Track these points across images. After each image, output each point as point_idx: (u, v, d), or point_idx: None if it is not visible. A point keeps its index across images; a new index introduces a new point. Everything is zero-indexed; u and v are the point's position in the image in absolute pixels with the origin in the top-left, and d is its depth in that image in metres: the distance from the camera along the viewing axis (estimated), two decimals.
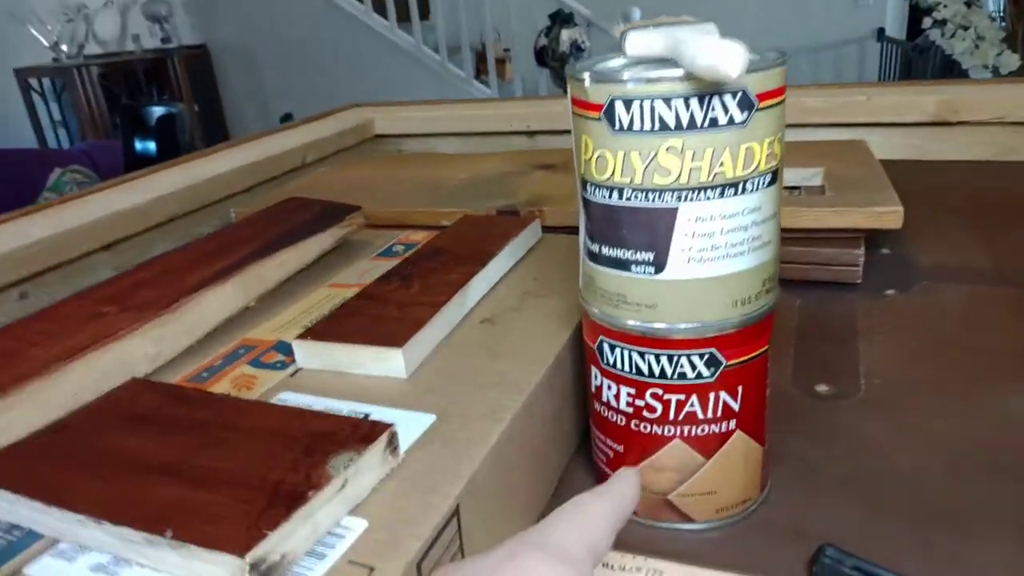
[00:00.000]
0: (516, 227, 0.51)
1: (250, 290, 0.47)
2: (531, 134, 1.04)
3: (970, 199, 0.77)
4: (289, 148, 0.98)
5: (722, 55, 0.25)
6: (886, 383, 0.47)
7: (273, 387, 0.38)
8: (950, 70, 1.78)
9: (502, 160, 0.84)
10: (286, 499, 0.27)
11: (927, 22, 1.70)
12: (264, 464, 0.29)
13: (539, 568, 0.22)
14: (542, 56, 3.18)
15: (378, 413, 0.34)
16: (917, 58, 2.95)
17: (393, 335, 0.38)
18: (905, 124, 0.89)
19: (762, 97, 0.29)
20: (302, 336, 0.39)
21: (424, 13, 3.77)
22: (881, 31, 3.43)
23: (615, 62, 0.33)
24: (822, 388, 0.47)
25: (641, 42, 0.32)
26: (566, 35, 2.94)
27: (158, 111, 1.89)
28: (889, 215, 0.56)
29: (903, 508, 0.36)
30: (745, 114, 0.29)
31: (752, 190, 0.31)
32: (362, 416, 0.34)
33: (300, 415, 0.32)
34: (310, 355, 0.39)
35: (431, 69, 3.64)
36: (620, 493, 0.28)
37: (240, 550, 0.24)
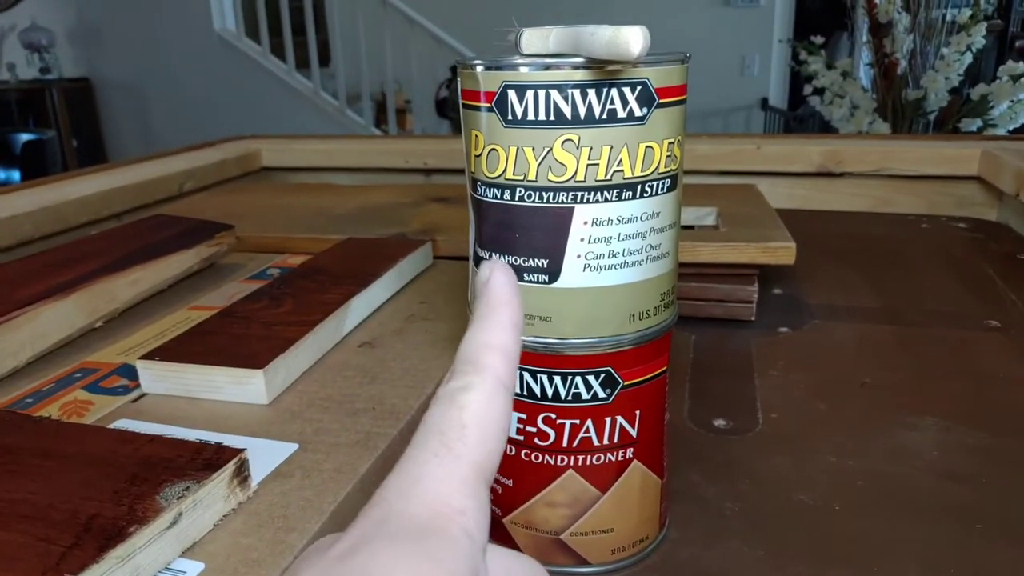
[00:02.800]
0: (404, 249, 0.47)
1: (96, 308, 0.41)
2: (428, 172, 1.01)
3: (853, 245, 0.80)
4: (165, 174, 0.91)
5: (622, 30, 0.23)
6: (783, 418, 0.46)
7: (109, 414, 0.33)
8: None
9: (396, 192, 0.80)
10: (99, 536, 0.22)
11: (807, 89, 1.81)
12: (78, 495, 0.24)
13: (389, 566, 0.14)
14: (443, 107, 3.20)
15: (231, 443, 0.29)
16: (797, 127, 3.15)
17: (254, 356, 0.33)
18: (792, 174, 0.92)
19: (662, 93, 0.27)
20: (148, 356, 0.34)
21: (324, 60, 3.74)
22: (765, 100, 3.65)
23: (511, 59, 0.31)
24: (720, 423, 0.45)
25: (537, 38, 0.30)
26: None
27: (24, 137, 1.74)
28: (783, 251, 0.56)
29: (805, 545, 0.35)
30: (645, 110, 0.27)
31: (651, 194, 0.28)
32: (214, 445, 0.29)
33: (132, 440, 0.27)
34: (157, 378, 0.34)
35: (330, 116, 3.59)
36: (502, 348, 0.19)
37: None
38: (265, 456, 0.28)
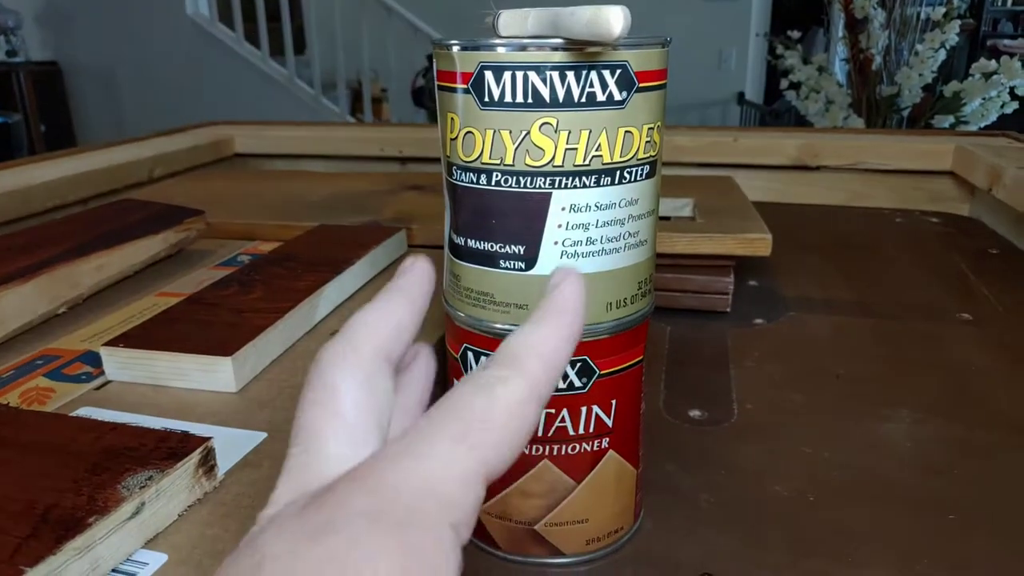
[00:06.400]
0: (377, 237, 0.46)
1: (58, 294, 0.40)
2: (403, 160, 1.00)
3: (829, 238, 0.80)
4: (135, 159, 0.89)
5: (602, 10, 0.22)
6: (758, 408, 0.46)
7: (71, 402, 0.32)
8: None
9: (370, 180, 0.79)
10: (57, 527, 0.21)
11: (784, 84, 1.81)
12: (35, 485, 0.23)
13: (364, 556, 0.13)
14: (419, 97, 3.17)
15: (198, 431, 0.29)
16: (773, 121, 3.17)
17: (222, 343, 0.32)
18: (769, 167, 0.92)
19: (642, 77, 0.27)
20: (112, 343, 0.33)
21: (300, 47, 3.69)
22: (741, 95, 3.67)
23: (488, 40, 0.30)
24: (695, 413, 0.45)
25: (515, 19, 0.29)
26: None
27: None
28: (759, 242, 0.56)
29: (780, 536, 0.34)
30: (624, 94, 0.27)
31: (630, 180, 0.28)
32: (180, 433, 0.28)
33: (94, 428, 0.26)
34: (121, 365, 0.33)
35: (305, 103, 3.54)
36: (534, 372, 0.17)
37: None
38: (233, 445, 0.28)
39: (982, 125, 1.80)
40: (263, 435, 0.28)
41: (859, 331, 0.57)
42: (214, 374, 0.32)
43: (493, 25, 0.30)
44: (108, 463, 0.24)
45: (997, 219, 0.85)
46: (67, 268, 0.41)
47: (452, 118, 0.28)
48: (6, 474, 0.23)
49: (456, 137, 0.28)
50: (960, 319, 0.60)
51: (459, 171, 0.28)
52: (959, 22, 1.71)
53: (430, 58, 3.49)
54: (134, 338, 0.33)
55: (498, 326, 0.29)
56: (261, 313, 0.35)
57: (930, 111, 1.82)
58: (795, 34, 1.82)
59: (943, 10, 1.71)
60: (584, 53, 0.25)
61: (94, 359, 0.35)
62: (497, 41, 0.26)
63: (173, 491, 0.24)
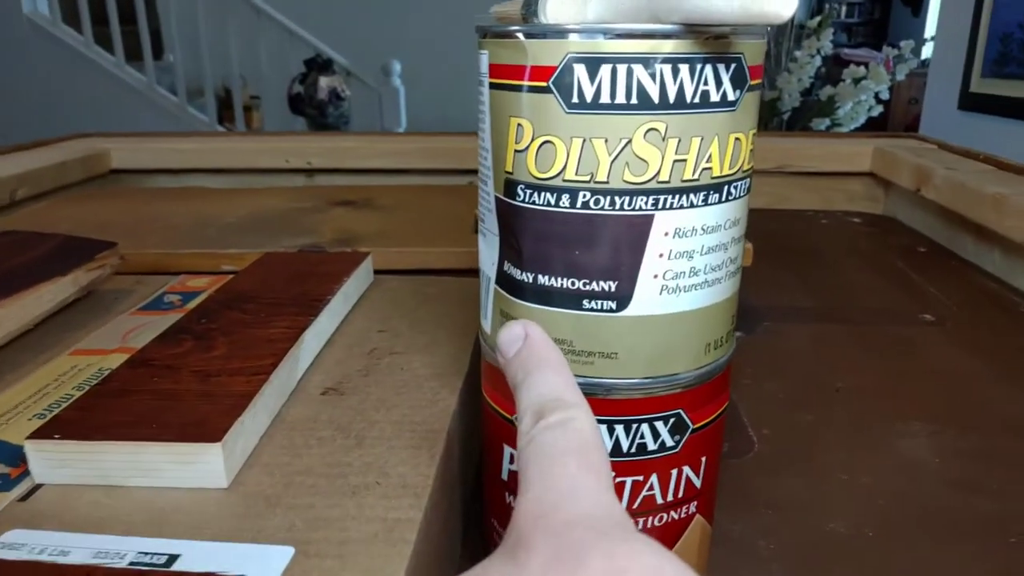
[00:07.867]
0: (346, 266, 0.39)
1: None
2: (311, 172, 0.92)
3: (771, 243, 0.79)
4: None
5: None
6: (776, 434, 0.43)
7: None
8: None
9: (288, 196, 0.71)
10: None
11: None
12: None
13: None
14: (296, 103, 3.01)
15: (193, 552, 0.21)
16: None
17: (201, 423, 0.25)
18: None
19: (754, 73, 0.22)
20: (41, 433, 0.25)
21: (158, 52, 3.43)
22: None
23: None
24: None
25: (570, 5, 0.23)
26: (324, 82, 2.80)
27: None
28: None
29: None
30: (737, 93, 0.22)
31: (735, 196, 0.23)
32: (164, 558, 0.21)
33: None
34: (57, 463, 0.24)
35: (168, 112, 3.30)
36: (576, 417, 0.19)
37: None
38: (253, 569, 0.20)
39: (853, 127, 1.90)
40: (290, 550, 0.21)
41: (836, 339, 0.56)
42: (196, 466, 0.24)
43: (525, 13, 0.24)
44: None
45: (913, 217, 0.87)
46: None
47: (519, 124, 0.22)
48: None
49: (526, 148, 0.22)
50: (924, 320, 0.59)
51: (528, 191, 0.22)
52: (832, 31, 1.80)
53: (307, 63, 3.33)
54: (73, 426, 0.25)
55: (580, 380, 0.23)
56: (236, 376, 0.28)
57: (808, 114, 1.90)
58: None
59: (817, 19, 1.80)
60: (701, 42, 0.20)
61: (9, 454, 0.27)
62: (586, 26, 0.21)
63: None
